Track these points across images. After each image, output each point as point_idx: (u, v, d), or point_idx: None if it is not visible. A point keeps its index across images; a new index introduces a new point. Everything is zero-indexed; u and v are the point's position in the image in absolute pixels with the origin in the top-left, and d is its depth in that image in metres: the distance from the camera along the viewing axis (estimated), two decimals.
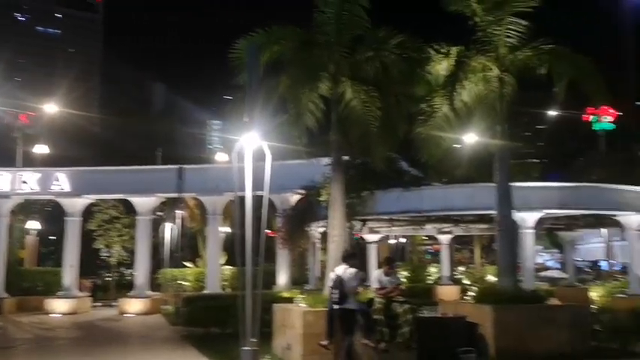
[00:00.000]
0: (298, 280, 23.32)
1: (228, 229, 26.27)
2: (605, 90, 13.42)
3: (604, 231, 36.56)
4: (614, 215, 19.22)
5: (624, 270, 28.86)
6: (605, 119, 42.73)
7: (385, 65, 12.54)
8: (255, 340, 8.15)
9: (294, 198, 21.09)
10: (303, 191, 19.64)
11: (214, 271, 23.10)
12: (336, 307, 9.86)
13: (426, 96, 13.34)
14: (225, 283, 24.01)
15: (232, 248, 20.53)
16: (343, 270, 10.06)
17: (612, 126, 42.94)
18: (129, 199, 24.68)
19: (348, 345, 9.79)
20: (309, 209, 19.20)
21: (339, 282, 9.89)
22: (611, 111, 42.09)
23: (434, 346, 10.83)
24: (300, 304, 11.66)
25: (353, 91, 12.54)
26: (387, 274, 12.04)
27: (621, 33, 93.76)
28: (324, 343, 9.94)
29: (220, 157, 32.84)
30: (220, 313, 15.51)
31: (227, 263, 25.29)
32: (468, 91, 13.09)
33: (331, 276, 10.24)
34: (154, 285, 25.10)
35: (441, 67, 13.33)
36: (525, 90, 13.96)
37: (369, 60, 12.59)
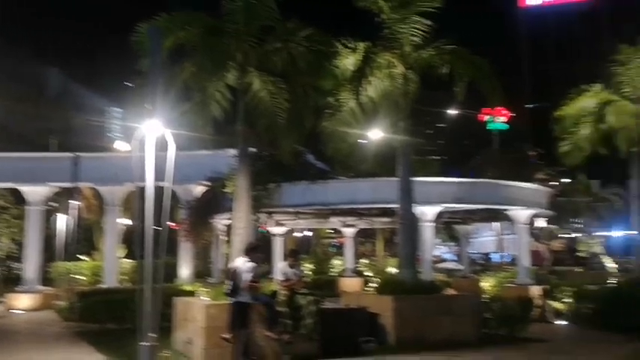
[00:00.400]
0: (201, 273, 22.88)
1: (128, 221, 25.29)
2: (501, 91, 14.19)
3: (496, 225, 38.90)
4: (506, 210, 20.37)
5: (513, 261, 30.78)
6: (499, 120, 45.40)
7: (293, 57, 12.52)
8: (154, 335, 7.86)
9: (198, 189, 20.62)
10: (208, 182, 19.26)
11: (112, 265, 22.18)
12: (230, 299, 9.73)
13: (333, 90, 13.50)
14: (124, 277, 23.10)
15: (132, 241, 19.81)
16: (242, 263, 9.95)
17: (506, 126, 45.74)
18: (18, 188, 23.12)
19: (244, 338, 9.70)
20: (214, 201, 18.87)
21: (234, 274, 9.77)
22: (505, 112, 44.79)
23: (336, 337, 11.03)
24: (202, 298, 11.43)
25: (261, 81, 12.44)
26: (291, 266, 12.05)
27: (516, 39, 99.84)
28: (227, 336, 9.80)
29: (120, 145, 31.51)
30: (118, 307, 14.89)
31: (126, 256, 24.35)
32: (374, 87, 13.38)
33: (230, 267, 10.12)
34: (46, 279, 23.68)
35: (349, 61, 13.52)
36: (427, 89, 14.48)
37: (278, 51, 12.52)
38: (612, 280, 20.55)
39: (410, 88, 13.58)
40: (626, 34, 18.29)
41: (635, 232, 17.03)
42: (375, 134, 18.55)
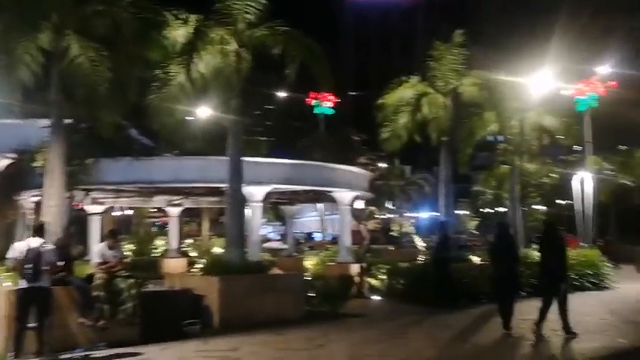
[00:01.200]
0: (3, 256, 20.60)
1: None
2: (330, 76, 14.62)
3: (319, 206, 40.47)
4: (331, 191, 21.16)
5: (334, 240, 32.31)
6: (325, 104, 47.09)
7: (118, 23, 11.65)
8: None
9: (2, 162, 18.52)
10: (14, 155, 17.43)
11: None
12: (27, 284, 8.82)
13: (161, 62, 12.82)
14: None
15: None
16: (39, 243, 9.03)
17: (331, 111, 47.56)
18: None
19: (44, 326, 8.91)
20: (21, 176, 17.11)
21: (35, 256, 8.84)
22: (331, 97, 46.57)
23: (158, 321, 10.63)
24: (3, 283, 10.24)
25: (80, 47, 11.40)
26: (110, 247, 11.33)
27: (342, 29, 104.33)
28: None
29: None
30: None
31: None
32: (205, 63, 12.94)
33: (19, 248, 9.10)
34: None
35: (179, 33, 12.97)
36: (259, 70, 14.41)
37: (100, 15, 11.56)
38: (421, 258, 22.40)
39: (242, 66, 13.38)
40: (441, 32, 19.86)
41: (440, 214, 18.70)
42: (205, 111, 18.08)
